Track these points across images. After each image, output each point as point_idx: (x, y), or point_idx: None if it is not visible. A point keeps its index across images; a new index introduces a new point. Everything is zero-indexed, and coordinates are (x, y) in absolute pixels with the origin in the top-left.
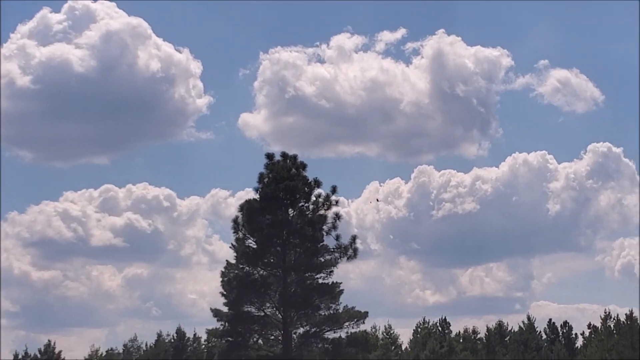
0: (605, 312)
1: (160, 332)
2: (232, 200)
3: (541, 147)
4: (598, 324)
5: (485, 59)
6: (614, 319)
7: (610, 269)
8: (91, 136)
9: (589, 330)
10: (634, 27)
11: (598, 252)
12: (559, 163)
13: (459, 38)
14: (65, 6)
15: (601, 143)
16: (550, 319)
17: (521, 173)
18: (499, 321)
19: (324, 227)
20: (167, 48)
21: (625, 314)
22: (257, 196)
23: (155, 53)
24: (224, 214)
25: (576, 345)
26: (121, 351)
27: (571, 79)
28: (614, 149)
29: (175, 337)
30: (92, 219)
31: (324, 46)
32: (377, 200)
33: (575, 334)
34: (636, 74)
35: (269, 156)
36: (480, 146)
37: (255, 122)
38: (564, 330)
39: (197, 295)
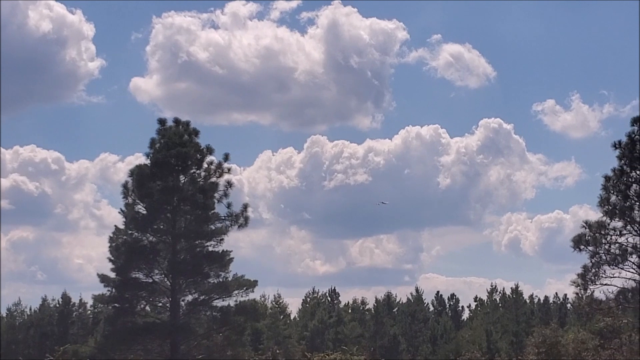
0: (491, 286)
1: (45, 296)
2: (121, 165)
3: (434, 121)
4: (484, 297)
5: (380, 31)
6: (500, 292)
7: (498, 244)
8: None
9: (476, 303)
10: (526, 5)
11: (486, 226)
12: (451, 137)
13: (355, 9)
14: None
15: (492, 119)
16: (438, 292)
17: (414, 146)
18: (388, 292)
19: (216, 194)
20: (60, 9)
21: (511, 288)
22: (147, 161)
23: (46, 13)
24: (112, 178)
25: (462, 317)
26: (4, 315)
27: (464, 54)
28: (505, 125)
29: (60, 302)
30: None
31: (218, 12)
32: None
33: (462, 307)
34: (527, 52)
35: (161, 121)
36: (373, 118)
37: (147, 87)
38: (451, 303)
39: (84, 260)
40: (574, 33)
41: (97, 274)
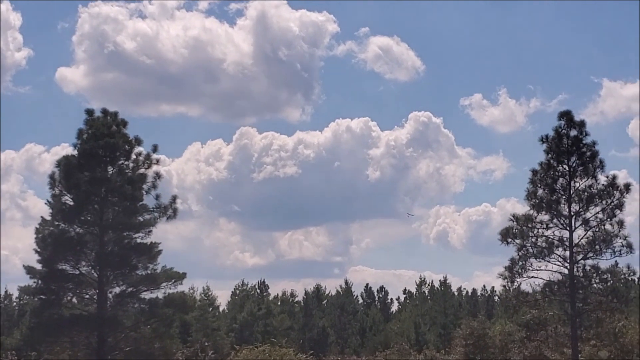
0: (420, 278)
1: None
2: (47, 156)
3: (364, 114)
4: (413, 289)
5: (310, 24)
6: (428, 284)
7: (426, 236)
8: None
9: (404, 296)
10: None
11: (415, 219)
12: (381, 130)
13: (284, 1)
14: None
15: (422, 112)
16: (367, 284)
17: (344, 139)
18: (317, 285)
19: (144, 186)
20: None
21: (440, 280)
22: (75, 152)
23: None
24: (38, 169)
25: (391, 310)
26: None
27: (392, 47)
28: (434, 118)
29: None
30: None
31: (145, 2)
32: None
33: (391, 299)
34: (455, 46)
35: (89, 112)
36: (303, 111)
37: (73, 77)
38: (380, 295)
39: (10, 252)
40: (501, 28)
41: (23, 266)
